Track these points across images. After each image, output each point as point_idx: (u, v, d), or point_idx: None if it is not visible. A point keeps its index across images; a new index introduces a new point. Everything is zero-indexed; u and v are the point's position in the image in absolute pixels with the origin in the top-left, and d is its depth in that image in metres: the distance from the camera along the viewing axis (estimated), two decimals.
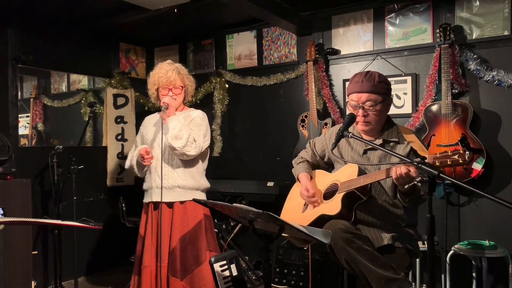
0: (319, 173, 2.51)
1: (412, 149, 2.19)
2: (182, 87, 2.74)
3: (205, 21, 4.42)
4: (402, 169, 1.95)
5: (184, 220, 2.70)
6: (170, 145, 2.59)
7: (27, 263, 3.30)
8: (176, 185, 2.70)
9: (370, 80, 2.21)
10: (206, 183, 2.85)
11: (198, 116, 2.77)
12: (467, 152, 1.74)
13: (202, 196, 2.83)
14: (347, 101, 2.32)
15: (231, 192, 4.06)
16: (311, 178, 2.50)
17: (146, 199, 2.84)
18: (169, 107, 2.66)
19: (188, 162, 2.73)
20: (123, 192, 4.53)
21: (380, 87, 2.21)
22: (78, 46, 4.41)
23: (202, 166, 2.83)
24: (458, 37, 3.41)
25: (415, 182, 1.92)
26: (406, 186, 1.98)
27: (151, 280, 2.67)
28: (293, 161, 2.66)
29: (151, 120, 2.91)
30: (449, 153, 1.78)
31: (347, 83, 3.88)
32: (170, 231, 2.69)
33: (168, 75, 2.69)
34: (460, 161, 1.75)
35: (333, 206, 2.23)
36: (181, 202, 2.71)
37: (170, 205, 2.72)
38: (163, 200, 2.70)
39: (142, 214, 2.85)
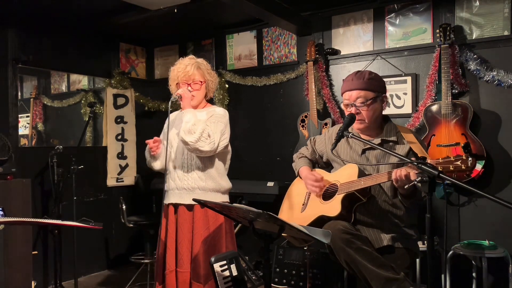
0: (319, 172, 2.51)
1: (411, 149, 2.19)
2: (201, 82, 2.62)
3: (205, 21, 4.42)
4: (402, 171, 1.96)
5: (205, 223, 2.57)
6: (182, 139, 2.45)
7: (27, 263, 3.30)
8: (196, 186, 2.57)
9: (359, 78, 2.24)
10: (227, 184, 2.70)
11: (218, 113, 2.61)
12: (469, 159, 1.74)
13: (224, 198, 2.69)
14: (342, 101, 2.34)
15: (231, 192, 4.04)
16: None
17: (166, 201, 2.69)
18: (183, 99, 2.54)
19: (207, 162, 2.59)
20: (123, 192, 4.54)
21: (370, 84, 2.23)
22: (78, 46, 4.41)
23: (222, 166, 2.68)
24: (458, 37, 3.41)
25: (415, 183, 1.91)
26: (406, 186, 1.98)
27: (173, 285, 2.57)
28: (294, 156, 2.67)
29: (172, 117, 2.80)
30: (452, 159, 1.78)
31: None
32: (192, 236, 2.56)
33: (186, 69, 2.58)
34: (463, 167, 1.75)
35: (333, 207, 2.23)
36: (202, 206, 2.56)
37: (190, 207, 2.58)
38: (183, 202, 2.58)
39: (162, 217, 2.70)
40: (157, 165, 2.72)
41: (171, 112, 2.74)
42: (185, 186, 2.59)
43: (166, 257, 2.60)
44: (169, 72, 2.72)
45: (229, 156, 2.74)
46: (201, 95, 2.65)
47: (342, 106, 2.34)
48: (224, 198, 2.69)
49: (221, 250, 2.59)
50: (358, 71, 2.31)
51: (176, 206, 2.63)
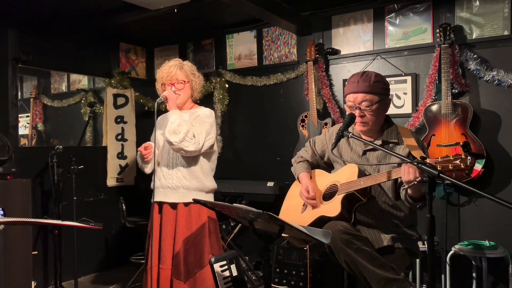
0: (319, 173, 2.51)
1: (411, 153, 2.17)
2: (184, 81, 2.69)
3: (205, 21, 4.42)
4: (409, 165, 1.91)
5: (188, 223, 2.64)
6: (167, 139, 2.53)
7: (27, 263, 3.30)
8: (180, 185, 2.64)
9: (365, 80, 2.20)
10: (212, 185, 2.78)
11: (204, 113, 2.69)
12: (469, 157, 1.73)
13: (208, 198, 2.75)
14: (345, 102, 2.32)
15: (231, 192, 4.06)
16: (311, 178, 2.50)
17: (152, 198, 2.76)
18: (168, 100, 2.61)
19: (192, 161, 2.67)
20: (123, 192, 4.54)
21: (376, 87, 2.20)
22: (78, 46, 4.41)
23: (207, 166, 2.75)
24: (458, 37, 3.41)
25: (415, 182, 1.91)
26: (408, 185, 1.95)
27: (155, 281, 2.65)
28: (293, 160, 2.65)
29: (161, 120, 2.88)
30: (451, 158, 1.77)
31: None
32: (174, 233, 2.64)
33: (170, 70, 2.68)
34: (462, 166, 1.74)
35: (333, 208, 2.23)
36: (185, 204, 2.65)
37: (174, 206, 2.66)
38: (167, 200, 2.66)
39: (150, 213, 2.79)
40: (149, 169, 2.79)
41: (163, 113, 2.83)
42: (170, 185, 2.66)
43: (150, 253, 2.67)
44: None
45: (214, 156, 2.81)
46: (185, 94, 2.72)
47: (345, 107, 2.31)
48: (208, 198, 2.75)
49: (204, 249, 2.65)
50: (364, 72, 2.25)
51: (160, 204, 2.70)
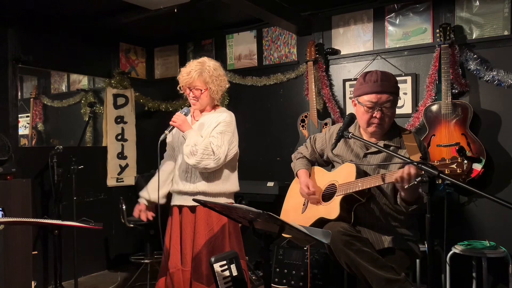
0: (318, 171, 2.51)
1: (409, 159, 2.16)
2: (201, 90, 2.60)
3: (205, 21, 4.42)
4: (409, 169, 1.91)
5: (209, 225, 2.60)
6: (187, 161, 2.51)
7: (27, 263, 3.30)
8: (197, 191, 2.60)
9: (388, 80, 2.17)
10: (231, 188, 2.72)
11: (224, 120, 2.60)
12: (465, 162, 1.74)
13: (228, 201, 2.70)
14: (358, 102, 2.23)
15: None
16: (310, 175, 2.49)
17: (172, 202, 2.76)
18: (180, 126, 2.54)
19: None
20: (123, 192, 4.54)
21: (397, 88, 2.21)
22: (78, 46, 4.41)
23: (228, 170, 2.69)
24: (458, 37, 3.40)
25: (415, 182, 1.91)
26: (406, 186, 1.96)
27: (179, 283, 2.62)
28: (293, 156, 2.65)
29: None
30: (447, 161, 1.77)
31: (347, 83, 3.91)
32: (193, 235, 2.61)
33: (189, 75, 2.59)
34: (459, 171, 1.74)
35: (332, 210, 2.22)
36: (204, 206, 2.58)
37: (193, 209, 2.63)
38: (186, 204, 2.63)
39: (169, 216, 2.77)
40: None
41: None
42: (189, 190, 2.62)
43: (170, 255, 2.64)
44: (177, 72, 2.71)
45: (236, 157, 2.76)
46: (204, 100, 2.65)
47: (363, 109, 2.21)
48: (228, 201, 2.69)
49: (224, 250, 2.59)
50: (381, 72, 2.20)
51: (180, 207, 2.68)
